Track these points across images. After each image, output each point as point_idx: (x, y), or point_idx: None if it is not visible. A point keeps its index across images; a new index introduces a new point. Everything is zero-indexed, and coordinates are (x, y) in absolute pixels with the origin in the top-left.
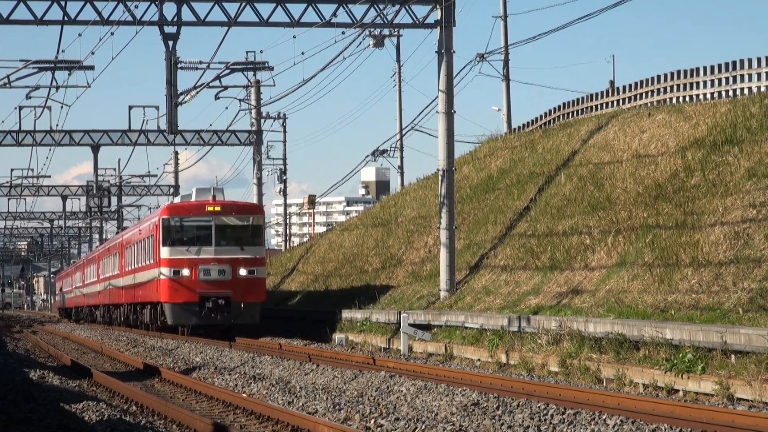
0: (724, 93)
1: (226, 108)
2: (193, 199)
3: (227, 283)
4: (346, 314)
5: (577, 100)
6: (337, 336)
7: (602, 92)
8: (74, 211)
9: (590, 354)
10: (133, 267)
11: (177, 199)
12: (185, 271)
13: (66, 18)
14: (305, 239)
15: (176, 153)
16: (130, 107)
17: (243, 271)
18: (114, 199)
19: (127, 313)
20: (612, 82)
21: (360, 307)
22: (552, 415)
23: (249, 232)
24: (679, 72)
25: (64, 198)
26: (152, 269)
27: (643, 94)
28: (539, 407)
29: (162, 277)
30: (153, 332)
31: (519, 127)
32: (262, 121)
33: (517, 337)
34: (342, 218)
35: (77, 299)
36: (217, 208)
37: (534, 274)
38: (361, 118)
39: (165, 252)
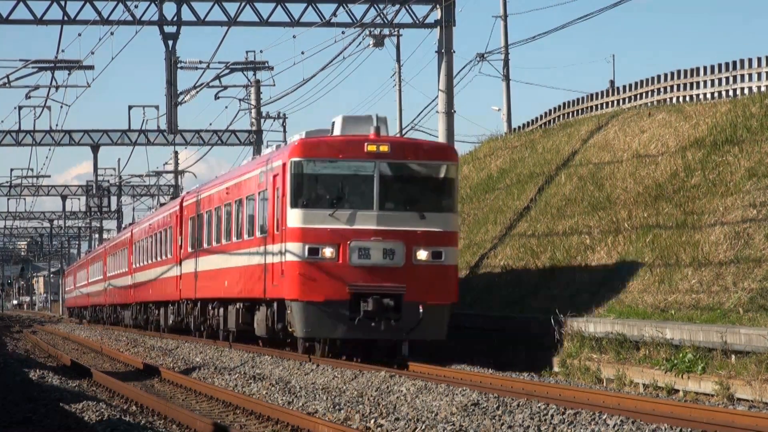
0: (724, 93)
1: (226, 108)
2: (337, 132)
3: (398, 273)
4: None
5: (577, 100)
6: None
7: (602, 92)
8: (74, 211)
9: (591, 354)
10: (213, 244)
11: (293, 139)
12: (328, 250)
13: (66, 18)
14: None
15: (176, 153)
16: (130, 107)
17: (423, 253)
18: (114, 199)
19: (184, 314)
20: (612, 82)
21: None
22: (552, 415)
23: (435, 189)
24: (679, 72)
25: (64, 198)
26: (260, 246)
27: (643, 94)
28: (539, 407)
29: (288, 258)
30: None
31: (519, 127)
32: (262, 120)
33: None
34: None
35: (90, 297)
36: (384, 148)
37: (535, 274)
38: None
39: (295, 217)
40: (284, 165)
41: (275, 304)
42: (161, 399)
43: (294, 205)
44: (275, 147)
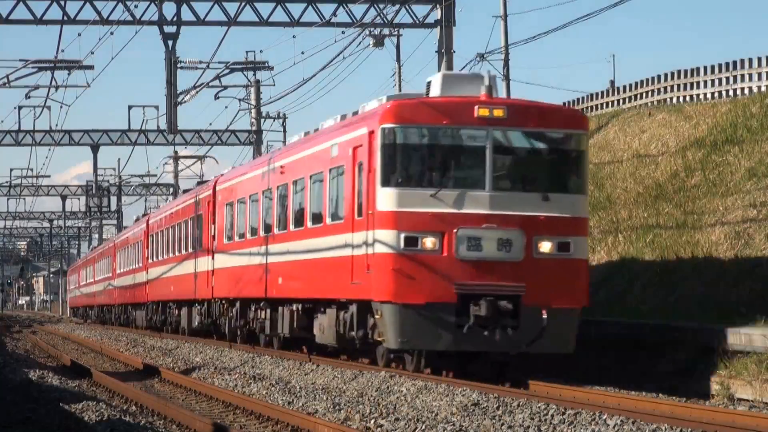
0: (724, 93)
1: (226, 107)
2: (435, 93)
3: (515, 269)
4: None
5: (577, 100)
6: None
7: (602, 92)
8: (74, 211)
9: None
10: (260, 233)
11: (381, 102)
12: (429, 240)
13: (65, 18)
14: None
15: (176, 153)
16: (130, 107)
17: (546, 245)
18: (114, 199)
19: (217, 315)
20: (612, 82)
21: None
22: (552, 415)
23: (562, 165)
24: (679, 72)
25: (64, 198)
26: (332, 235)
27: (643, 94)
28: (539, 407)
29: (377, 249)
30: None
31: None
32: (262, 120)
33: None
34: None
35: (97, 296)
36: (498, 112)
37: None
38: None
39: (387, 198)
40: (371, 134)
41: (353, 307)
42: (161, 399)
43: (386, 183)
44: (350, 114)
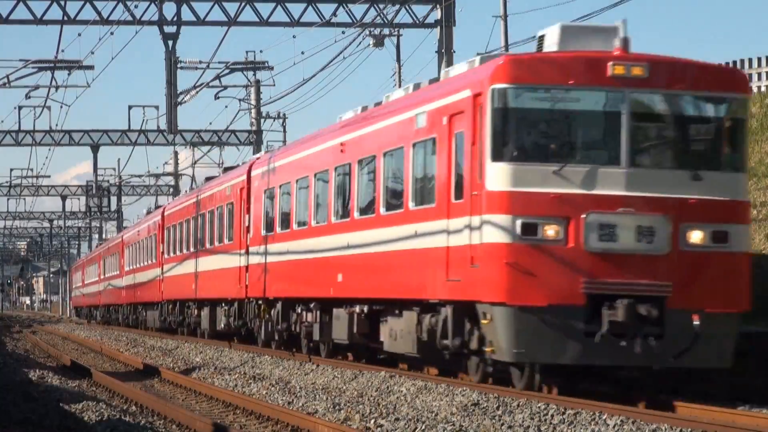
0: None
1: (226, 107)
2: (552, 47)
3: (659, 264)
4: None
5: None
6: None
7: None
8: (74, 211)
9: None
10: (312, 223)
11: (493, 58)
12: (552, 228)
13: (65, 18)
14: None
15: (176, 153)
16: (130, 107)
17: (698, 234)
18: (114, 199)
19: (251, 316)
20: None
21: None
22: (552, 415)
23: (716, 136)
24: None
25: (64, 198)
26: (421, 222)
27: None
28: (539, 407)
29: (487, 237)
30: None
31: None
32: (262, 120)
33: None
34: None
35: (103, 295)
36: (637, 70)
37: None
38: None
39: (498, 175)
40: (477, 97)
41: (447, 309)
42: (161, 399)
43: (497, 157)
44: (443, 74)
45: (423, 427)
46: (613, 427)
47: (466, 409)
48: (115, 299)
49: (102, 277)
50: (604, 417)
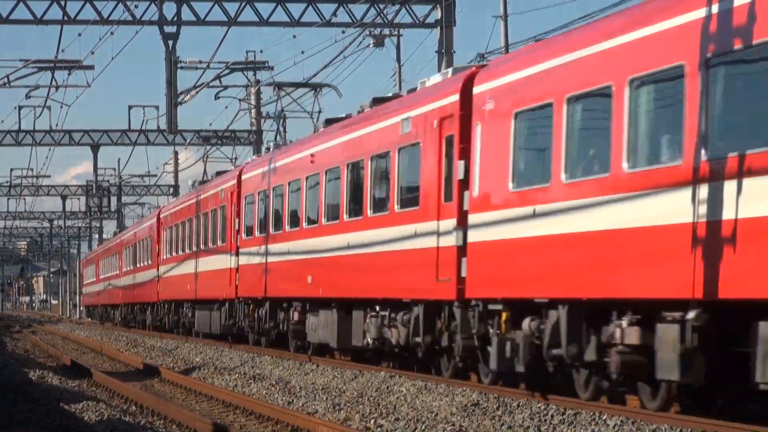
0: None
1: (226, 107)
2: None
3: None
4: None
5: None
6: None
7: None
8: (74, 211)
9: None
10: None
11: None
12: None
13: (66, 18)
14: None
15: (176, 153)
16: (130, 107)
17: None
18: (114, 199)
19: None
20: None
21: None
22: (552, 415)
23: None
24: None
25: (64, 198)
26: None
27: None
28: (539, 407)
29: None
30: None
31: None
32: (262, 121)
33: None
34: None
35: (125, 291)
36: None
37: None
38: None
39: None
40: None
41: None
42: (161, 399)
43: None
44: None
45: (423, 427)
46: (613, 427)
47: (466, 409)
48: (143, 296)
49: (122, 271)
50: (604, 417)
